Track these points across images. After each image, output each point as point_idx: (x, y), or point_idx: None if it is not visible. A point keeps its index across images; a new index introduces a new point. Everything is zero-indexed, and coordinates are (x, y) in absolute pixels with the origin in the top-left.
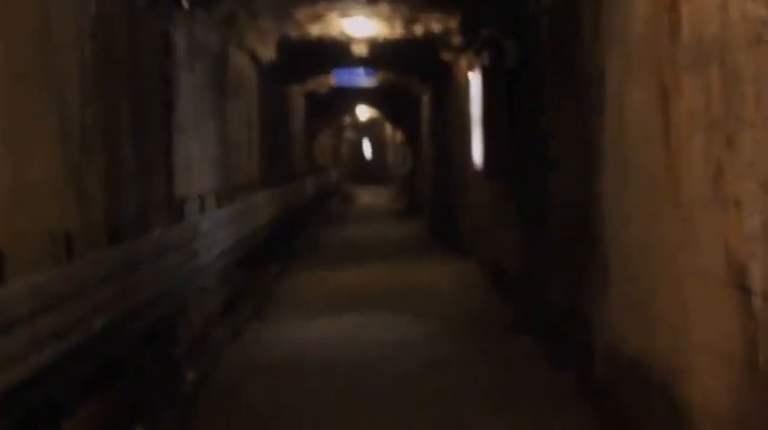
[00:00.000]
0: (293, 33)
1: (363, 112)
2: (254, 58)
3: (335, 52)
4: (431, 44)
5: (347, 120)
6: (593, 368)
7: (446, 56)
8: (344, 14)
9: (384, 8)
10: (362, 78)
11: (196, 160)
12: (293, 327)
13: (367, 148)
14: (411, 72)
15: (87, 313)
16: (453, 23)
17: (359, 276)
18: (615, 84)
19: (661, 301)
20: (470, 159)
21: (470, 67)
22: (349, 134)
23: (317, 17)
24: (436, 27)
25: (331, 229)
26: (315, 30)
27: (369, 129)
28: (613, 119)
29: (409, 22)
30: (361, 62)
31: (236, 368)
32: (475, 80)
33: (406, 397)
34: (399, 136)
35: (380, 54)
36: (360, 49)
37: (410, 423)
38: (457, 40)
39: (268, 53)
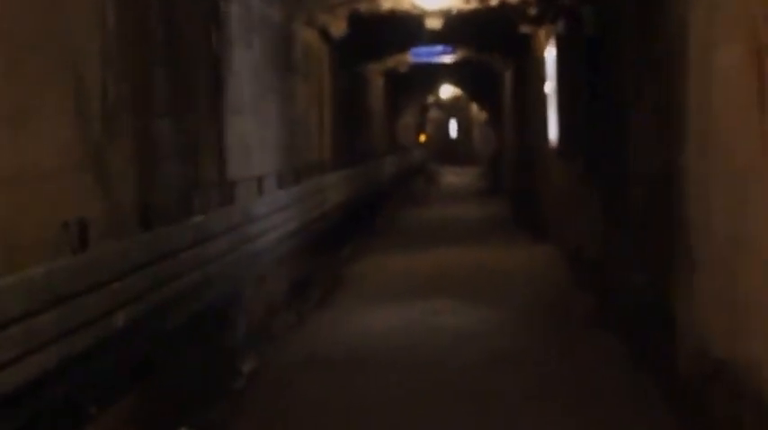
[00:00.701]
0: (363, 8)
1: (446, 91)
2: (324, 34)
3: (409, 27)
4: (508, 17)
5: (430, 99)
6: (677, 369)
7: (524, 28)
8: None
9: None
10: (440, 55)
11: (255, 141)
12: (359, 315)
13: (453, 128)
14: (491, 48)
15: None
16: None
17: (434, 260)
18: (700, 44)
19: (755, 297)
20: (547, 138)
21: (548, 39)
22: (434, 113)
23: None
24: None
25: (411, 210)
26: (386, 3)
27: (454, 108)
28: (698, 83)
29: None
30: (437, 37)
31: (295, 358)
32: (551, 52)
33: (469, 394)
34: (484, 115)
35: (456, 28)
36: (433, 23)
37: (468, 423)
38: (533, 10)
39: (339, 29)
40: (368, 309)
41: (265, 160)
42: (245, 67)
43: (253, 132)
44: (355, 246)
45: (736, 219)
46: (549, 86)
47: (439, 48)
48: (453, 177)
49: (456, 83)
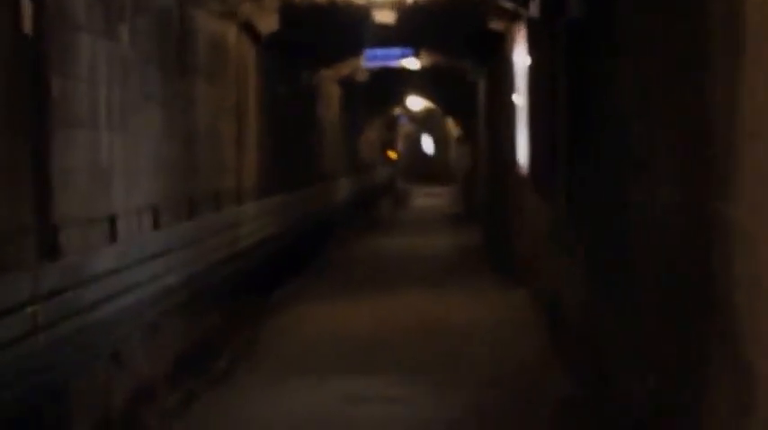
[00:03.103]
0: None
1: (417, 103)
2: (248, 29)
3: (358, 23)
4: (476, 10)
5: (397, 111)
6: None
7: (494, 24)
8: None
9: None
10: (400, 59)
11: (119, 164)
12: (259, 402)
13: (427, 143)
14: (461, 51)
15: None
16: None
17: (380, 311)
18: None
19: None
20: (516, 161)
21: (519, 36)
22: (406, 128)
23: None
24: None
25: (370, 241)
26: None
27: (427, 121)
28: (758, 91)
29: None
30: (394, 37)
31: None
32: (521, 52)
33: None
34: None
35: (416, 26)
36: (384, 17)
37: None
38: (504, 2)
39: (268, 24)
40: (275, 390)
41: (138, 190)
42: (103, 63)
43: (115, 152)
44: (285, 292)
45: None
46: (520, 96)
47: (396, 50)
48: (425, 199)
49: (426, 93)
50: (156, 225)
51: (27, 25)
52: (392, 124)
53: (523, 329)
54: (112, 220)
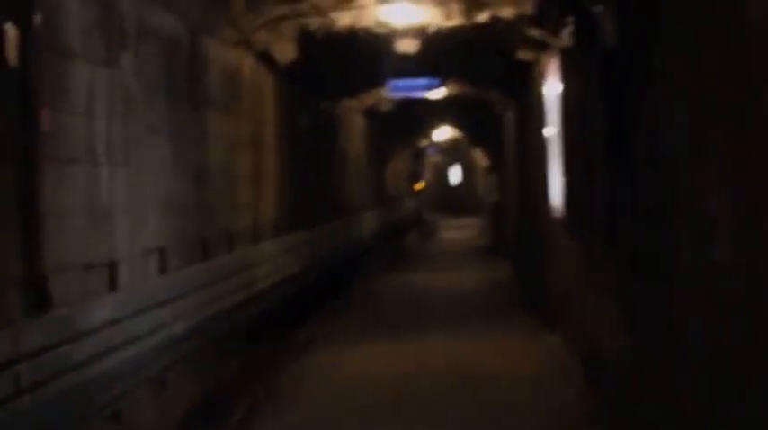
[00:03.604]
0: (314, 24)
1: (444, 133)
2: (266, 58)
3: (379, 52)
4: (504, 39)
5: (424, 142)
6: None
7: (523, 53)
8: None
9: None
10: (425, 90)
11: (119, 203)
12: None
13: (455, 174)
14: (488, 82)
15: None
16: (528, 7)
17: (405, 358)
18: None
19: None
20: (548, 200)
21: (551, 66)
22: (433, 158)
23: (345, 1)
24: (506, 12)
25: (396, 277)
26: (343, 19)
27: (454, 151)
28: None
29: (470, 7)
30: (418, 67)
31: None
32: (553, 84)
33: None
34: (486, 161)
35: (440, 55)
36: (407, 46)
37: None
38: (533, 30)
39: (286, 53)
40: None
41: (143, 230)
42: (103, 94)
43: (116, 190)
44: (306, 335)
45: None
46: (551, 130)
47: (422, 81)
48: (452, 232)
49: (452, 122)
50: (164, 269)
51: (12, 54)
52: (419, 154)
53: (562, 381)
54: (113, 266)
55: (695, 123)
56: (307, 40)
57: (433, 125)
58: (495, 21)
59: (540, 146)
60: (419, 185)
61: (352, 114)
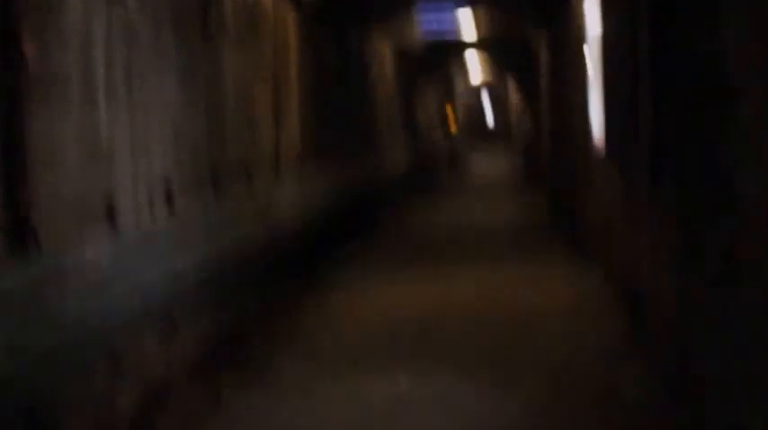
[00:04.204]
0: None
1: (476, 74)
2: None
3: None
4: None
5: (458, 81)
6: None
7: None
8: None
9: None
10: (454, 12)
11: (124, 139)
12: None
13: (488, 110)
14: (520, 11)
15: None
16: None
17: (430, 293)
18: None
19: None
20: (587, 132)
21: None
22: (464, 93)
23: None
24: None
25: (426, 210)
26: None
27: (488, 87)
28: None
29: None
30: None
31: None
32: (591, 8)
33: None
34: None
35: None
36: None
37: None
38: None
39: None
40: (307, 395)
41: (149, 166)
42: (101, 24)
43: (119, 126)
44: (326, 269)
45: None
46: (591, 55)
47: (450, 3)
48: (486, 165)
49: (486, 62)
50: (171, 202)
51: None
52: (451, 89)
53: (599, 317)
54: (110, 206)
55: (755, 44)
56: None
57: (464, 59)
58: None
59: (577, 78)
60: (451, 120)
61: (382, 48)
